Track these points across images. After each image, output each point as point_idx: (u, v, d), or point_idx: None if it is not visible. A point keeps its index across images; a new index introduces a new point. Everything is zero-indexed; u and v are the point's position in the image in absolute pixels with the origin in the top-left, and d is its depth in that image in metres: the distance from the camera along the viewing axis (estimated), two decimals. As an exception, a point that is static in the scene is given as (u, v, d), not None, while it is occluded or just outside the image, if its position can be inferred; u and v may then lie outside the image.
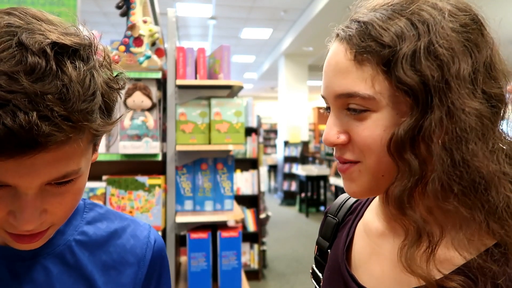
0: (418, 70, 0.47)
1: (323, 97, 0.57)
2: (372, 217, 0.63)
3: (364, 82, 0.49)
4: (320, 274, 0.71)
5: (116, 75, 0.55)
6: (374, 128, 0.50)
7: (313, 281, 0.73)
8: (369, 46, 0.49)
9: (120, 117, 0.56)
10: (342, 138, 0.53)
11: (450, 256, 0.50)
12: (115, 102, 0.54)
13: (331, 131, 0.54)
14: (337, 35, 0.54)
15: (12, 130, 0.40)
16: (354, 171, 0.53)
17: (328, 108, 0.57)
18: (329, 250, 0.69)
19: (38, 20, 0.47)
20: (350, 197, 0.72)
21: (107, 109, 0.52)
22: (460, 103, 0.46)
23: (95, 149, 0.57)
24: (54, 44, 0.45)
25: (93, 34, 0.52)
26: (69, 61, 0.45)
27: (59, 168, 0.47)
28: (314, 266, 0.73)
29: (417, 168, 0.48)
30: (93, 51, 0.50)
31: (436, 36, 0.47)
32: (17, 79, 0.41)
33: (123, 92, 1.94)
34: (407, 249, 0.49)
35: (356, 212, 0.68)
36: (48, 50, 0.44)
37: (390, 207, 0.51)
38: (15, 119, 0.40)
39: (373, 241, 0.60)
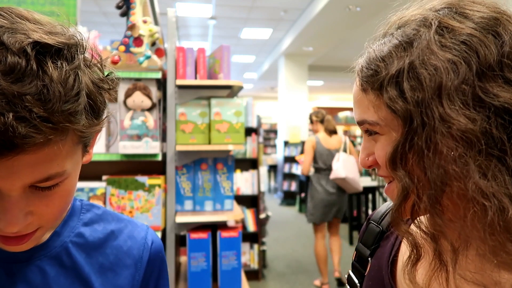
0: (402, 92, 0.47)
1: None
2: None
3: (369, 109, 0.52)
4: (356, 280, 0.69)
5: (107, 75, 0.54)
6: (382, 150, 0.52)
7: (348, 286, 0.72)
8: (368, 75, 0.51)
9: (105, 117, 0.54)
10: (370, 159, 0.56)
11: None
12: (104, 102, 0.53)
13: (362, 154, 0.57)
14: None
15: None
16: (393, 190, 0.54)
17: None
18: (369, 258, 0.68)
19: (23, 20, 0.46)
20: None
21: (94, 110, 0.50)
22: (441, 125, 0.45)
23: (86, 150, 0.55)
24: (35, 44, 0.44)
25: (80, 33, 0.51)
26: (50, 61, 0.44)
27: (41, 170, 0.46)
28: (350, 271, 0.72)
29: (405, 186, 0.48)
30: (79, 51, 0.49)
31: (419, 55, 0.47)
32: None
33: (122, 92, 1.94)
34: (409, 269, 0.51)
35: None
36: (29, 49, 0.43)
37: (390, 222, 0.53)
38: None
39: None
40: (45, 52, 0.44)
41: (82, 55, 0.49)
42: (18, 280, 0.57)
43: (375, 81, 0.50)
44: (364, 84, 0.52)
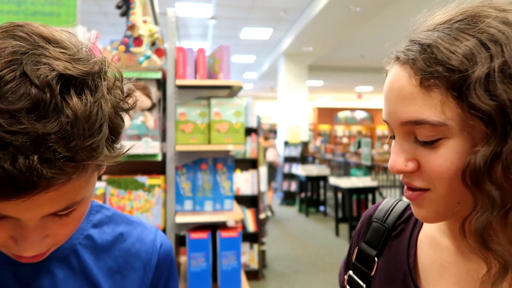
0: (493, 95, 0.43)
1: (385, 121, 0.54)
2: (438, 233, 0.60)
3: (432, 108, 0.46)
4: (360, 282, 0.67)
5: (127, 95, 0.52)
6: (448, 156, 0.47)
7: (348, 287, 0.69)
8: (437, 71, 0.46)
9: (128, 149, 0.52)
10: (411, 165, 0.50)
11: None
12: (123, 124, 0.51)
13: (399, 158, 0.51)
14: (397, 58, 0.51)
15: (12, 175, 0.38)
16: (425, 199, 0.51)
17: (392, 137, 0.54)
18: (376, 258, 0.66)
19: (46, 42, 0.44)
20: (397, 203, 0.69)
21: (114, 135, 0.49)
22: None
23: (101, 169, 0.54)
24: (60, 77, 0.42)
25: (106, 58, 0.48)
26: (75, 94, 0.42)
27: (61, 202, 0.46)
28: (351, 272, 0.69)
29: (499, 199, 0.44)
30: (102, 77, 0.47)
31: (511, 55, 0.44)
32: (18, 118, 0.39)
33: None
34: (492, 285, 0.47)
35: (411, 221, 0.65)
36: (53, 83, 0.41)
37: (469, 240, 0.48)
38: (15, 163, 0.38)
39: (444, 259, 0.58)
40: (69, 84, 0.42)
41: (105, 82, 0.47)
42: (27, 283, 0.56)
43: (453, 79, 0.45)
44: (427, 81, 0.46)
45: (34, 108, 0.40)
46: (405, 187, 0.53)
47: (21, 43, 0.43)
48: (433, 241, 0.60)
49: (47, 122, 0.40)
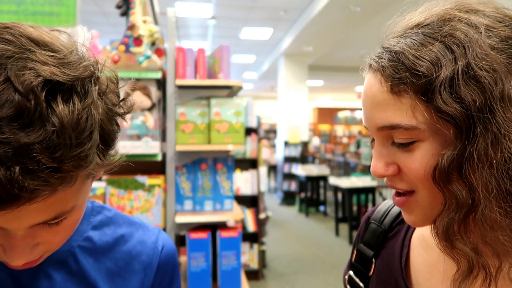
0: (458, 97, 0.44)
1: (365, 127, 0.55)
2: (430, 233, 0.60)
3: (404, 113, 0.47)
4: (360, 282, 0.67)
5: (122, 99, 0.51)
6: (424, 159, 0.48)
7: (349, 286, 0.70)
8: (404, 77, 0.47)
9: (118, 159, 0.50)
10: (391, 169, 0.51)
11: None
12: (117, 131, 0.49)
13: (379, 163, 0.52)
14: (370, 65, 0.52)
15: None
16: (412, 202, 0.52)
17: (373, 140, 0.55)
18: (373, 259, 0.66)
19: (34, 45, 0.42)
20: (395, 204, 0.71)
21: (106, 142, 0.47)
22: (507, 128, 0.43)
23: (95, 175, 0.52)
24: (45, 83, 0.39)
25: (98, 61, 0.47)
26: (62, 101, 0.40)
27: (49, 213, 0.44)
28: (351, 273, 0.70)
29: (464, 200, 0.45)
30: (93, 82, 0.44)
31: (474, 57, 0.44)
32: (0, 127, 0.37)
33: (122, 92, 1.93)
34: (459, 283, 0.47)
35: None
36: (38, 90, 0.39)
37: (437, 238, 0.49)
38: None
39: (434, 259, 0.59)
40: (55, 91, 0.40)
41: (97, 86, 0.45)
42: (23, 285, 0.56)
43: (420, 84, 0.46)
44: (396, 87, 0.47)
45: (17, 116, 0.38)
46: (393, 194, 0.54)
47: (7, 47, 0.41)
48: (424, 241, 0.61)
49: (30, 131, 0.38)
